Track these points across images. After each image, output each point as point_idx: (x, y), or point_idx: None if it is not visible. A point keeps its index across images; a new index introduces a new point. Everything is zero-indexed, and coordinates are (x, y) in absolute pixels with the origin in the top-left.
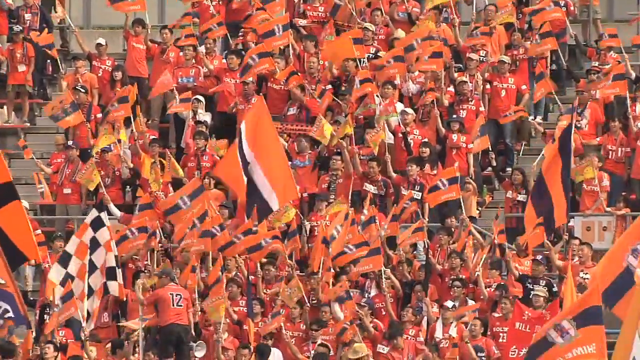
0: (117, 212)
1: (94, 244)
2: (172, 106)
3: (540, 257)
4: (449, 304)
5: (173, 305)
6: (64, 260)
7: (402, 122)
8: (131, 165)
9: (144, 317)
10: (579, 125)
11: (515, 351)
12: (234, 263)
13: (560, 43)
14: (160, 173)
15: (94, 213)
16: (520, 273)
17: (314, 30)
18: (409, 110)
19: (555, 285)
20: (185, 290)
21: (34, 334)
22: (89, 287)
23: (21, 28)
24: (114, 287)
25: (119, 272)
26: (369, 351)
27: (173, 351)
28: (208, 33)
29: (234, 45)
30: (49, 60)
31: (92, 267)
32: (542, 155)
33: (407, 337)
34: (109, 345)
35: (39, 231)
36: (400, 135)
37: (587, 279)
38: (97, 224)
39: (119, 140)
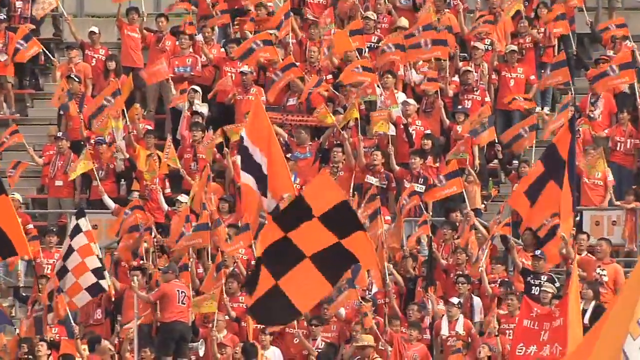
0: (112, 204)
1: (69, 251)
2: (173, 99)
3: (540, 252)
4: (455, 300)
5: (178, 303)
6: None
7: (403, 113)
8: (127, 156)
9: (139, 315)
10: (592, 115)
11: (522, 349)
12: (231, 258)
13: (570, 31)
14: (157, 165)
15: (72, 222)
16: (524, 267)
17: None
18: (411, 100)
19: (557, 280)
20: (188, 288)
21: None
22: (59, 289)
23: (5, 16)
24: (105, 284)
25: (106, 272)
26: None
27: (174, 349)
28: (209, 20)
29: (233, 33)
30: (41, 50)
31: (64, 271)
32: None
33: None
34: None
35: (30, 225)
36: (402, 126)
37: (604, 275)
38: (75, 231)
39: (100, 141)
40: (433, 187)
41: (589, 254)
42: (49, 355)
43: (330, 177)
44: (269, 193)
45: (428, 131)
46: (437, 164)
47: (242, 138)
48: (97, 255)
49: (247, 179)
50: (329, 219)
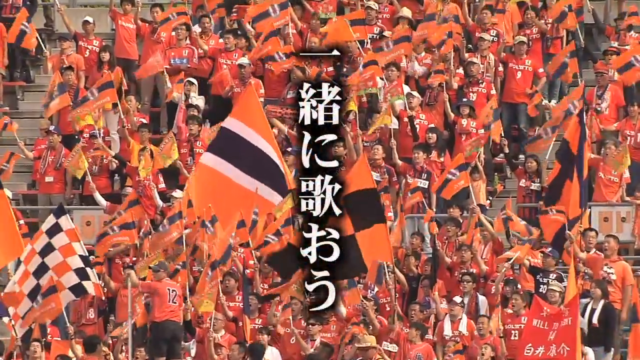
0: (103, 202)
1: (48, 249)
2: (169, 93)
3: (550, 249)
4: (457, 299)
5: (169, 302)
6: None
7: (407, 106)
8: (113, 153)
9: (132, 314)
10: (599, 108)
11: (530, 349)
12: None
13: (578, 22)
14: (150, 160)
15: (51, 220)
16: (532, 265)
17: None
18: (415, 93)
19: (565, 279)
20: (179, 286)
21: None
22: (38, 286)
23: None
24: (89, 286)
25: (91, 271)
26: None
27: (166, 349)
28: (212, 16)
29: (229, 23)
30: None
31: (44, 269)
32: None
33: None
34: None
35: (21, 221)
36: (406, 120)
37: (611, 273)
38: (54, 231)
39: (98, 131)
40: (447, 182)
41: (597, 252)
42: (41, 357)
43: (367, 163)
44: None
45: (433, 125)
46: (442, 159)
47: (227, 123)
48: (81, 255)
49: (229, 171)
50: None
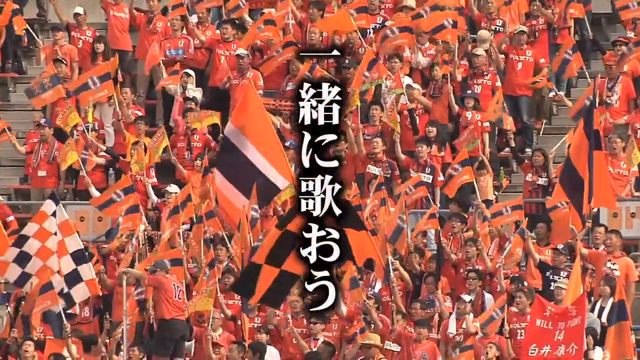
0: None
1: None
2: (160, 81)
3: (562, 246)
4: (466, 297)
5: (175, 298)
6: (20, 242)
7: (407, 98)
8: (104, 147)
9: (128, 313)
10: (609, 101)
11: (535, 349)
12: (224, 253)
13: (585, 11)
14: (143, 154)
15: (50, 205)
16: (541, 261)
17: None
18: (416, 85)
19: None
20: (181, 283)
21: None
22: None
23: None
24: (78, 292)
25: (88, 266)
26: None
27: (172, 349)
28: (201, 3)
29: (226, 13)
30: (24, 31)
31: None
32: (564, 139)
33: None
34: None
35: (11, 217)
36: (406, 112)
37: (615, 269)
38: (56, 217)
39: (85, 127)
40: (450, 178)
41: (606, 248)
42: (34, 356)
43: None
44: (280, 177)
45: (435, 119)
46: (442, 153)
47: (226, 130)
48: (74, 251)
49: (221, 183)
50: None
